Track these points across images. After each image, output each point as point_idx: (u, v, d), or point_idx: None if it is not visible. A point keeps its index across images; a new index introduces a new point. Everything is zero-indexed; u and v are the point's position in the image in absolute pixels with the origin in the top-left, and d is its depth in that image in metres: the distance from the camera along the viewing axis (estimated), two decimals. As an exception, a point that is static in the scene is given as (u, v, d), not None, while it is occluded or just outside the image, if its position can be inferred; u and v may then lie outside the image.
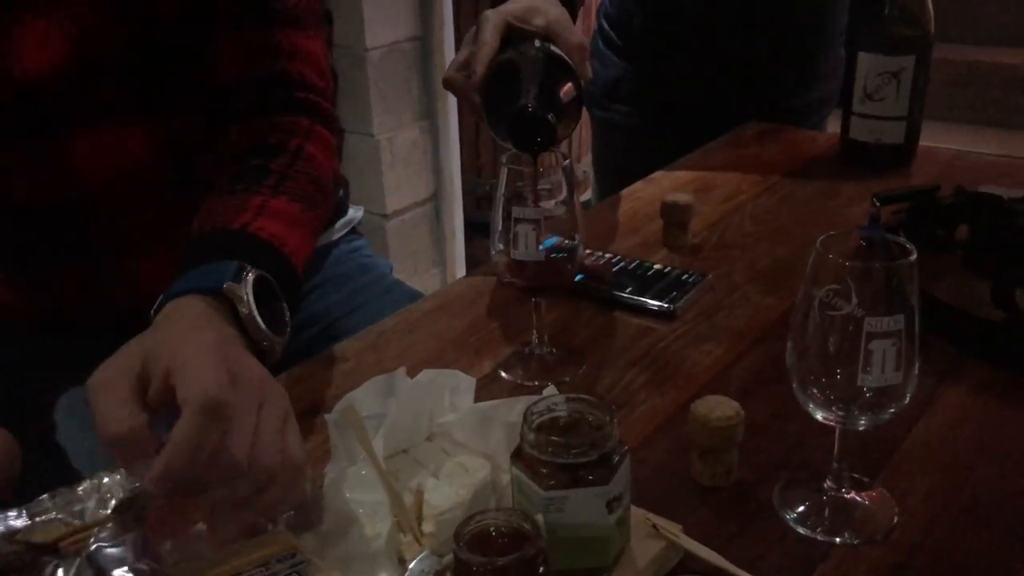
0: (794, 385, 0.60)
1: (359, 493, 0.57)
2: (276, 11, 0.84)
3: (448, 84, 0.91)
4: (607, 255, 1.00)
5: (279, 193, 0.77)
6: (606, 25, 1.48)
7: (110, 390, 0.55)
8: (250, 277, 0.66)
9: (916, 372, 0.57)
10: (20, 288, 0.91)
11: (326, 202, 0.85)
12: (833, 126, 1.48)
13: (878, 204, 1.00)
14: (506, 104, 0.79)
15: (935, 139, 1.37)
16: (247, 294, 0.65)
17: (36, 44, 0.77)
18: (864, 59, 1.19)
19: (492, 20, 0.89)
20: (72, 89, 0.79)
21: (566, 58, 0.84)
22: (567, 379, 0.80)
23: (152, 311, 0.66)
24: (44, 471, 0.65)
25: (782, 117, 1.42)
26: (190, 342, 0.57)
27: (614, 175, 1.32)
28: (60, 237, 0.85)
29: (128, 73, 0.80)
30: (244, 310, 0.65)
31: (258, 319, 0.65)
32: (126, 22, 0.79)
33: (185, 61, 0.83)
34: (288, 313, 0.71)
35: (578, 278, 0.93)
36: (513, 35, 0.89)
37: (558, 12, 0.90)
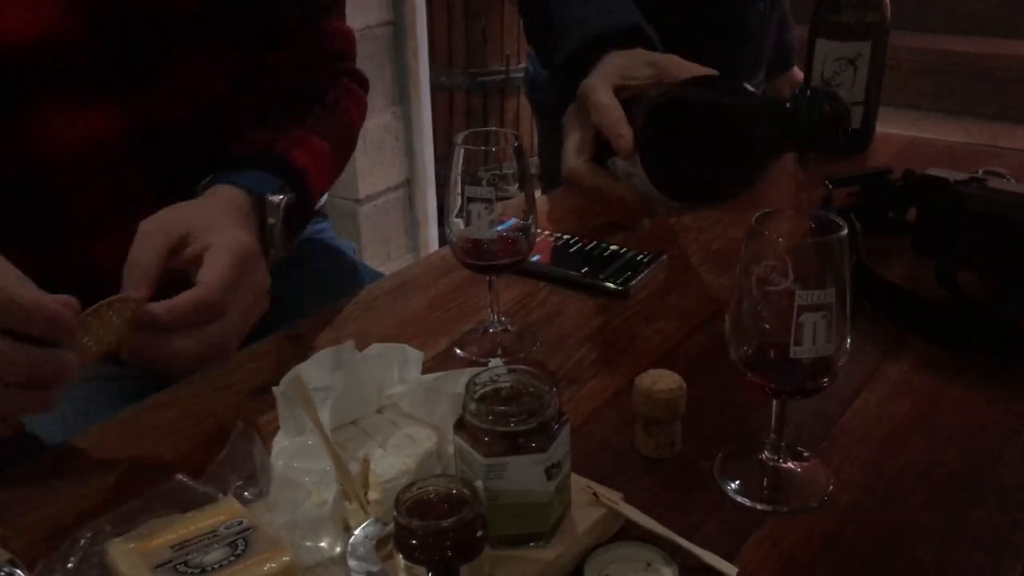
0: (732, 357, 0.62)
1: (306, 462, 0.59)
2: (321, 6, 0.97)
3: (573, 177, 0.83)
4: (564, 236, 1.01)
5: (316, 131, 0.90)
6: None
7: (151, 237, 0.69)
8: (284, 199, 0.81)
9: (848, 344, 0.59)
10: None
11: (349, 148, 0.99)
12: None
13: (831, 187, 1.02)
14: (678, 155, 0.72)
15: (902, 127, 1.40)
16: (279, 210, 0.81)
17: (17, 10, 0.75)
18: (821, 45, 1.21)
19: (599, 87, 0.81)
20: (45, 61, 0.77)
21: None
22: (521, 355, 0.82)
23: (201, 184, 0.81)
24: None
25: None
26: (229, 235, 0.71)
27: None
28: (17, 214, 0.84)
29: (104, 48, 0.79)
30: (272, 221, 0.81)
31: (277, 234, 0.81)
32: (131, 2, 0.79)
33: (163, 38, 0.83)
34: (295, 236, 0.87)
35: (533, 259, 0.94)
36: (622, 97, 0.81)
37: (659, 55, 0.83)
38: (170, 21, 0.83)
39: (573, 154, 0.83)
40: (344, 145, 0.96)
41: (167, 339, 0.66)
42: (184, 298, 0.66)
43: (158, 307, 0.66)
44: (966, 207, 0.92)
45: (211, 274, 0.68)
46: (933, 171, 0.97)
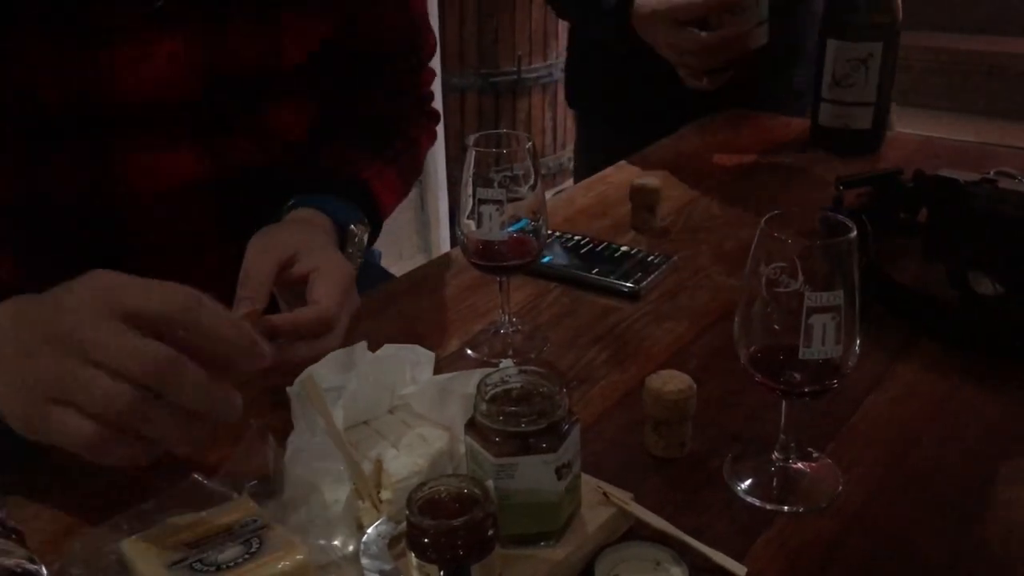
0: (741, 360, 0.62)
1: (320, 462, 0.59)
2: (423, 57, 1.03)
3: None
4: (575, 236, 1.02)
5: (394, 166, 0.96)
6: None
7: (265, 253, 0.74)
8: (364, 231, 0.87)
9: (857, 346, 0.60)
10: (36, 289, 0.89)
11: (414, 181, 1.05)
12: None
13: (841, 188, 1.02)
14: None
15: (915, 127, 1.39)
16: (356, 242, 0.86)
17: (144, 71, 0.77)
18: (833, 45, 1.21)
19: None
20: (152, 113, 0.79)
21: None
22: (532, 356, 0.82)
23: (286, 206, 0.85)
24: None
25: (767, 104, 1.44)
26: (335, 259, 0.77)
27: (597, 162, 1.34)
28: (95, 246, 0.84)
29: (204, 102, 0.81)
30: (350, 250, 0.84)
31: (351, 261, 0.84)
32: (239, 62, 0.81)
33: (263, 94, 0.85)
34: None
35: (545, 259, 0.95)
36: None
37: None
38: (275, 79, 0.85)
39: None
40: (413, 179, 1.03)
41: (287, 347, 0.70)
42: (306, 312, 0.71)
43: (278, 319, 0.70)
44: (976, 208, 0.92)
45: (327, 294, 0.73)
46: (944, 172, 0.97)
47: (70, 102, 0.74)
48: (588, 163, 1.43)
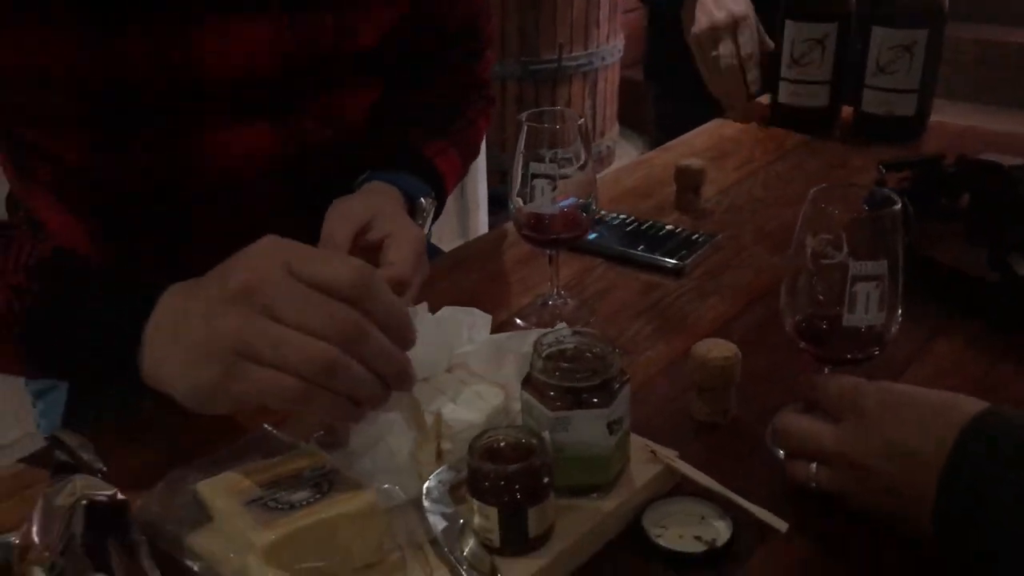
0: (786, 328, 0.65)
1: (384, 414, 0.62)
2: (483, 43, 1.06)
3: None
4: (621, 216, 1.04)
5: (455, 145, 1.00)
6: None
7: (345, 218, 0.79)
8: (431, 205, 0.91)
9: (899, 315, 0.62)
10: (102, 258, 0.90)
11: (472, 161, 1.08)
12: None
13: (884, 171, 1.04)
14: None
15: (963, 119, 1.39)
16: (424, 214, 0.89)
17: (230, 51, 0.79)
18: (878, 32, 1.22)
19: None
20: (232, 91, 0.81)
21: None
22: (579, 326, 0.85)
23: (359, 180, 0.90)
24: None
25: None
26: (409, 226, 0.82)
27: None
28: (165, 218, 0.87)
29: (279, 80, 0.83)
30: (419, 222, 0.88)
31: None
32: (318, 44, 0.84)
33: (332, 74, 0.88)
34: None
35: (591, 236, 0.98)
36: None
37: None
38: (347, 61, 0.88)
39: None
40: (471, 160, 1.06)
41: None
42: (380, 273, 0.72)
43: None
44: (1018, 191, 0.93)
45: (401, 258, 0.77)
46: (986, 156, 0.98)
47: (158, 80, 0.77)
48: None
